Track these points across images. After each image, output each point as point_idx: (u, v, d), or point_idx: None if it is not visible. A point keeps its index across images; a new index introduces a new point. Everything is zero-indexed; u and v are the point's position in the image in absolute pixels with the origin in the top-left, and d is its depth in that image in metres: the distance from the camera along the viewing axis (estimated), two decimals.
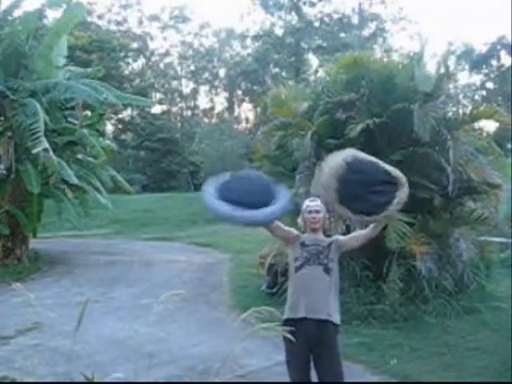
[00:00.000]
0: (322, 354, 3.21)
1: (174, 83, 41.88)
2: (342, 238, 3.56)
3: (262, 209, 3.18)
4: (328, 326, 3.25)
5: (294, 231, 3.46)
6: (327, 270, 3.32)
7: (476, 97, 38.41)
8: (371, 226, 3.36)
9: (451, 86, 8.51)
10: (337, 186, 3.14)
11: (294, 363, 3.25)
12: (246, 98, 40.30)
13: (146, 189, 29.22)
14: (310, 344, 3.19)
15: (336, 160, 3.25)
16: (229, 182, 3.35)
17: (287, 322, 3.16)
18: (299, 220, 3.56)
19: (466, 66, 38.51)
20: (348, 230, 6.27)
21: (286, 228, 3.45)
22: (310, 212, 3.46)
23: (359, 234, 3.53)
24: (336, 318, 3.32)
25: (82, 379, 2.63)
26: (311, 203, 3.49)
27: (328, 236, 3.54)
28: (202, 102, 49.44)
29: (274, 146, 7.98)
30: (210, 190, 3.27)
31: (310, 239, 3.41)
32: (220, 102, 43.92)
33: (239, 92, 41.08)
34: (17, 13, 11.26)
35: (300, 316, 3.20)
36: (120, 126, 35.28)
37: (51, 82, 10.65)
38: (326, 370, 3.27)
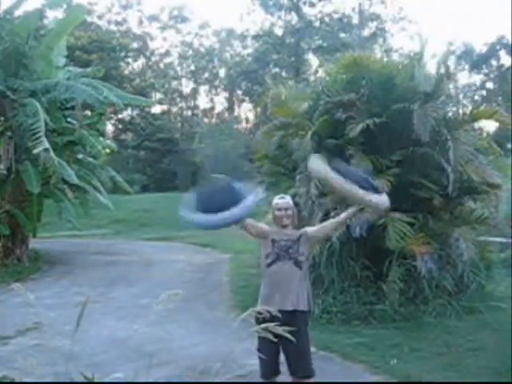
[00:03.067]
0: (291, 341, 3.21)
1: (174, 83, 41.87)
2: (310, 229, 3.73)
3: (221, 213, 3.47)
4: (297, 315, 3.47)
5: (266, 227, 3.70)
6: (298, 264, 3.54)
7: (476, 97, 38.40)
8: (342, 217, 3.67)
9: (451, 86, 8.49)
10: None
11: (264, 351, 3.35)
12: (246, 98, 40.28)
13: (146, 189, 29.19)
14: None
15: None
16: (201, 194, 3.72)
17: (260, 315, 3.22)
18: (270, 216, 3.80)
19: (466, 66, 38.51)
20: (348, 230, 6.28)
21: (259, 225, 3.71)
22: (279, 209, 3.67)
23: (328, 223, 3.79)
24: (304, 305, 3.54)
25: (82, 379, 2.62)
26: (280, 201, 3.72)
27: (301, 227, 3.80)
28: (202, 102, 49.48)
29: (274, 146, 7.98)
30: (185, 202, 3.67)
31: (280, 234, 3.62)
32: (220, 102, 43.96)
33: (239, 92, 41.08)
34: (17, 13, 11.27)
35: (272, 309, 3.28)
36: (120, 126, 35.27)
37: (51, 81, 10.66)
38: (293, 353, 3.48)
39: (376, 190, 3.57)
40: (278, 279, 3.53)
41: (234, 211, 3.48)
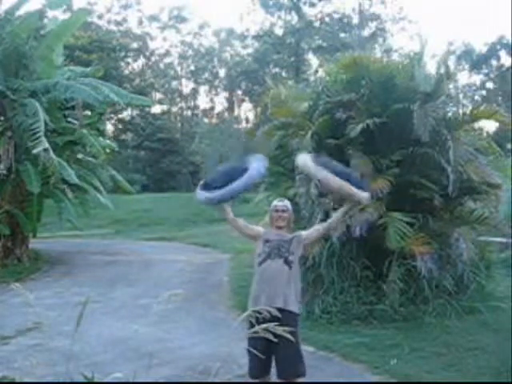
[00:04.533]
0: (279, 341, 3.17)
1: (174, 83, 41.91)
2: (303, 232, 3.82)
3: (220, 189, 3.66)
4: (285, 315, 3.39)
5: (260, 229, 3.83)
6: (288, 263, 3.60)
7: (476, 97, 38.41)
8: (332, 220, 3.77)
9: (451, 86, 8.47)
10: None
11: (253, 352, 3.30)
12: (246, 98, 40.33)
13: (146, 189, 29.20)
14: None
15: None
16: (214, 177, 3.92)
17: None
18: (267, 217, 3.91)
19: (466, 66, 38.51)
20: (348, 230, 6.28)
21: (253, 227, 3.85)
22: (276, 211, 3.81)
23: (320, 225, 3.90)
24: (294, 307, 3.56)
25: (82, 379, 2.63)
26: (279, 203, 3.86)
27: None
28: (202, 102, 49.55)
29: (274, 146, 7.98)
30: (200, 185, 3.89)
31: (273, 235, 3.72)
32: (220, 102, 44.02)
33: (239, 92, 41.12)
34: (18, 13, 11.26)
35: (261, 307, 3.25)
36: (120, 126, 35.30)
37: (51, 81, 10.66)
38: (282, 358, 3.47)
39: (359, 186, 3.61)
40: (266, 277, 3.60)
41: (237, 182, 3.65)
